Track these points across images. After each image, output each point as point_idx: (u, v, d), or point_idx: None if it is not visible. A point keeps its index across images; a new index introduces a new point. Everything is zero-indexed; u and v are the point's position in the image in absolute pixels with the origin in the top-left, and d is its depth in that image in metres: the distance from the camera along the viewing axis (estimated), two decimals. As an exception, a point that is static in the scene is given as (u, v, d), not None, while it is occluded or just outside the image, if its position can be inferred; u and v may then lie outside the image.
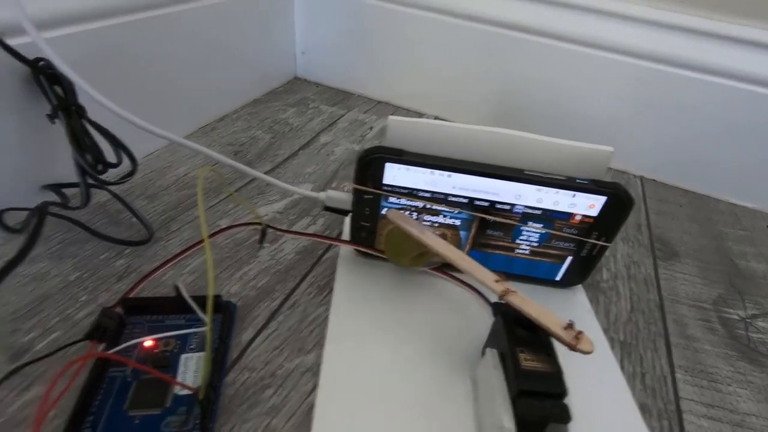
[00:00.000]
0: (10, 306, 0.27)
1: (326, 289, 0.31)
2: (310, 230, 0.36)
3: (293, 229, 0.36)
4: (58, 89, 0.29)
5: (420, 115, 0.56)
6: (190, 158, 0.42)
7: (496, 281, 0.24)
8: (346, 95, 0.59)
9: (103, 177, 0.29)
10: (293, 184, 0.40)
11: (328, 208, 0.31)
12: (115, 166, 0.29)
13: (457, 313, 0.30)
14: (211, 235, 0.32)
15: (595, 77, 0.47)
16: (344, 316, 0.28)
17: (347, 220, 0.36)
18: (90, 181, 0.29)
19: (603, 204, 0.28)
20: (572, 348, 0.22)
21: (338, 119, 0.53)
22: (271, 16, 0.53)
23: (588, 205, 0.28)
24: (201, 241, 0.31)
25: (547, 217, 0.29)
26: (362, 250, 0.31)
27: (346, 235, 0.35)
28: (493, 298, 0.27)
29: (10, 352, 0.24)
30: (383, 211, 0.29)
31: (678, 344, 0.31)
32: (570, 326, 0.22)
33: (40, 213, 0.25)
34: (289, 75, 0.61)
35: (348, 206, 0.30)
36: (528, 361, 0.22)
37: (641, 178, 0.50)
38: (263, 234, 0.33)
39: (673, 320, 0.32)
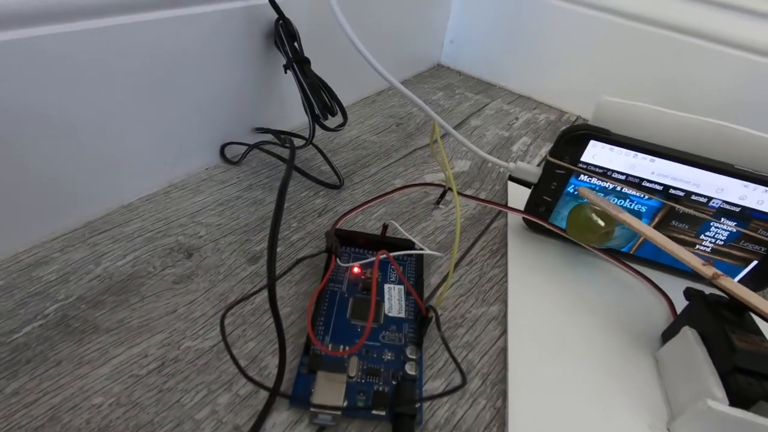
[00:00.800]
0: (241, 220, 0.32)
1: (498, 254, 0.33)
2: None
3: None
4: (296, 45, 0.34)
5: (563, 113, 0.57)
6: (358, 123, 0.46)
7: (704, 264, 0.24)
8: (488, 86, 0.60)
9: (325, 123, 0.33)
10: (451, 159, 0.43)
11: (513, 179, 0.33)
12: (335, 114, 0.33)
13: (631, 299, 0.30)
14: (398, 189, 0.35)
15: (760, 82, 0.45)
16: (521, 279, 0.30)
17: (512, 193, 0.38)
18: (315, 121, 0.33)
19: (814, 209, 0.27)
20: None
21: (484, 107, 0.54)
22: (429, 3, 0.56)
23: (796, 208, 0.27)
24: (386, 194, 0.34)
25: (745, 216, 0.28)
26: (538, 221, 0.33)
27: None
28: (677, 288, 0.27)
29: (248, 256, 0.29)
30: (569, 188, 0.31)
31: None
32: (787, 315, 0.22)
33: (290, 145, 0.30)
34: (433, 61, 0.64)
35: (534, 179, 0.32)
36: (741, 342, 0.22)
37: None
38: (442, 195, 0.35)
39: None
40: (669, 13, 0.47)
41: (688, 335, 0.24)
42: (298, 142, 0.34)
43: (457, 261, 0.32)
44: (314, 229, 0.32)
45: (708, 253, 0.31)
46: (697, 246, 0.31)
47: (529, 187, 0.33)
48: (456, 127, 0.49)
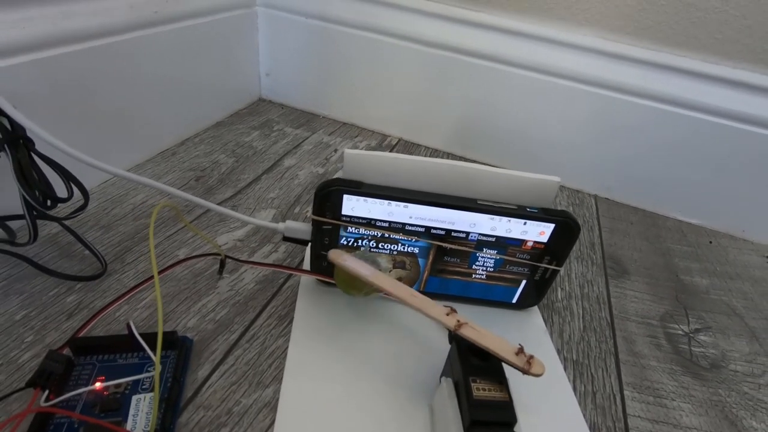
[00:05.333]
0: (-52, 350, 0.25)
1: (287, 319, 0.31)
2: (272, 258, 0.36)
3: (254, 257, 0.35)
4: (5, 121, 0.28)
5: (385, 136, 0.57)
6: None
7: (447, 314, 0.25)
8: (311, 117, 0.59)
9: (53, 213, 0.28)
10: (254, 211, 0.40)
11: (287, 239, 0.31)
12: (65, 200, 0.28)
13: (417, 339, 0.30)
14: (168, 268, 0.31)
15: (551, 103, 0.49)
16: (303, 347, 0.28)
17: (308, 248, 0.36)
18: (37, 215, 0.28)
19: (552, 231, 0.29)
20: (525, 372, 0.22)
21: (303, 142, 0.53)
22: (233, 39, 0.53)
23: (538, 232, 0.29)
24: (160, 272, 0.30)
25: (501, 243, 0.30)
26: (323, 279, 0.31)
27: (307, 262, 0.35)
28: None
29: (-54, 401, 0.23)
30: (342, 241, 0.30)
31: (627, 361, 0.32)
32: (521, 351, 0.23)
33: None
34: (253, 96, 0.61)
35: (307, 236, 0.30)
36: (480, 391, 0.22)
37: (595, 196, 0.53)
38: (222, 265, 0.32)
39: (622, 337, 0.34)
40: (467, 41, 0.49)
41: (443, 387, 0.24)
42: (24, 237, 0.29)
43: (236, 340, 0.29)
44: (58, 338, 0.27)
45: (484, 280, 0.32)
46: (473, 275, 0.31)
47: (306, 245, 0.31)
48: (267, 171, 0.46)
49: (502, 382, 0.23)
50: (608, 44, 0.46)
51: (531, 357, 0.23)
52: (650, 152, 0.48)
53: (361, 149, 0.53)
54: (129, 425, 0.23)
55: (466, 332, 0.24)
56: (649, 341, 0.34)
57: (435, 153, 0.56)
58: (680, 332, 0.35)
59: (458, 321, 0.24)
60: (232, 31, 0.52)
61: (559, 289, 0.38)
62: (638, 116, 0.47)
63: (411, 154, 0.55)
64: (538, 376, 0.22)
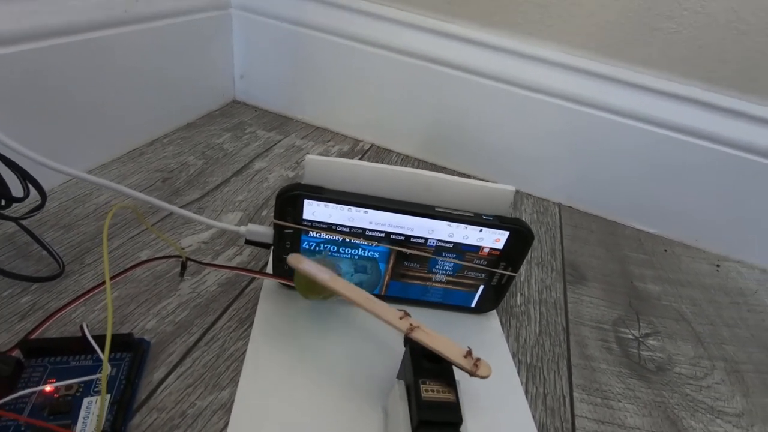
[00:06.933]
0: None
1: (247, 322, 0.31)
2: (236, 260, 0.36)
3: (219, 259, 0.36)
4: (-42, 119, 0.28)
5: (357, 141, 0.58)
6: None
7: (401, 318, 0.25)
8: (285, 120, 0.59)
9: (8, 212, 0.28)
10: (220, 214, 0.40)
11: (249, 242, 0.31)
12: (20, 200, 0.28)
13: (376, 342, 0.31)
14: (128, 269, 0.31)
15: (518, 114, 0.51)
16: (262, 350, 0.29)
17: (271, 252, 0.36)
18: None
19: (507, 238, 0.30)
20: (472, 374, 0.23)
21: (274, 145, 0.53)
22: (207, 41, 0.53)
23: (494, 239, 0.30)
24: (118, 274, 0.30)
25: (458, 249, 0.31)
26: (285, 283, 0.32)
27: (271, 265, 0.35)
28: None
29: None
30: (304, 245, 0.30)
31: (578, 364, 0.33)
32: (469, 354, 0.24)
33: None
34: (227, 98, 0.60)
35: (269, 240, 0.31)
36: (429, 392, 0.23)
37: (559, 205, 0.54)
38: (183, 267, 0.32)
39: (576, 342, 0.35)
40: (440, 51, 0.50)
41: (396, 389, 0.25)
42: (-22, 235, 0.28)
43: (194, 342, 0.29)
44: (9, 340, 0.27)
45: (443, 284, 0.33)
46: (433, 280, 0.32)
47: (269, 248, 0.32)
48: (237, 173, 0.46)
49: (450, 384, 0.24)
50: (571, 59, 0.48)
51: (478, 359, 0.23)
52: (611, 163, 0.51)
53: (333, 154, 0.53)
54: (78, 428, 0.23)
55: (418, 335, 0.24)
56: (601, 345, 0.36)
57: (406, 159, 0.57)
58: (630, 336, 0.37)
59: (411, 324, 0.25)
60: (206, 33, 0.52)
61: (519, 294, 0.39)
62: (600, 129, 0.49)
63: (382, 159, 0.56)
64: (484, 377, 0.23)
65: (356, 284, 0.29)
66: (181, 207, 0.39)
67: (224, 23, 0.55)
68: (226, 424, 0.25)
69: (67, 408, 0.23)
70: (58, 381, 0.24)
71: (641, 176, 0.50)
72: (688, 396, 0.33)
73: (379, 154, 0.57)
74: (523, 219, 0.49)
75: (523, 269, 0.42)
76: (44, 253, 0.32)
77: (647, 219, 0.53)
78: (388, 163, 0.55)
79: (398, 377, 0.27)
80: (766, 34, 0.42)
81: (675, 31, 0.44)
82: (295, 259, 0.28)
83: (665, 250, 0.50)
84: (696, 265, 0.49)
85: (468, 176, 0.55)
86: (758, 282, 0.48)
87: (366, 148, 0.57)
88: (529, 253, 0.44)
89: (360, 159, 0.54)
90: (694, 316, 0.41)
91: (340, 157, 0.53)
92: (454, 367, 0.24)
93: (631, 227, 0.53)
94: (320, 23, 0.53)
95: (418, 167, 0.55)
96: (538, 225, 0.49)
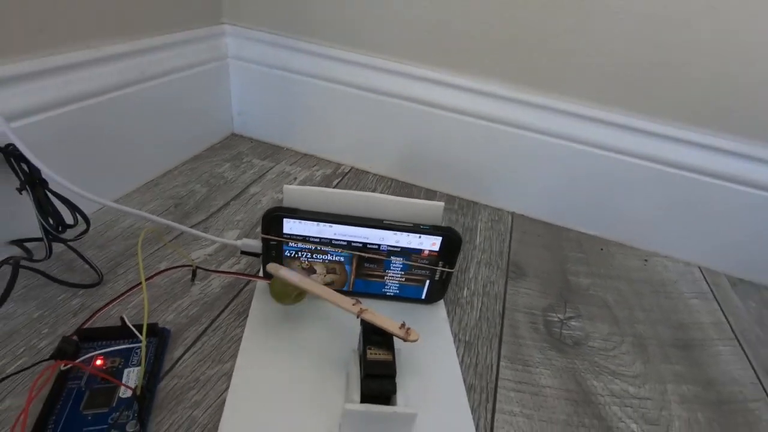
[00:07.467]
0: (-16, 339, 0.34)
1: (244, 314, 0.40)
2: (235, 268, 0.45)
3: (221, 267, 0.45)
4: (25, 167, 0.37)
5: (339, 165, 0.67)
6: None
7: (353, 304, 0.34)
8: (277, 149, 0.69)
9: (63, 236, 0.37)
10: (222, 231, 0.50)
11: (244, 252, 0.40)
12: (72, 226, 0.37)
13: (340, 327, 0.39)
14: (151, 276, 0.40)
15: (473, 138, 0.60)
16: (255, 333, 0.38)
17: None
18: (52, 238, 0.37)
19: (441, 242, 0.39)
20: (405, 339, 0.32)
21: (267, 171, 0.62)
22: (208, 87, 0.63)
23: (431, 243, 0.39)
24: (140, 284, 0.39)
25: (405, 252, 0.40)
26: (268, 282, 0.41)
27: (261, 271, 0.44)
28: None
29: (-14, 374, 0.32)
30: (287, 253, 0.39)
31: (508, 341, 0.42)
32: (403, 326, 0.33)
33: (14, 264, 0.33)
34: (226, 132, 0.70)
35: (259, 250, 0.40)
36: (373, 355, 0.32)
37: (512, 213, 0.63)
38: (194, 273, 0.42)
39: (509, 324, 0.44)
40: (407, 89, 0.60)
41: (352, 356, 0.33)
42: (40, 254, 0.38)
43: (203, 330, 0.38)
44: (67, 330, 0.36)
45: (398, 281, 0.41)
46: (388, 276, 0.41)
47: (259, 257, 0.41)
48: (235, 197, 0.56)
49: (390, 349, 0.32)
50: (510, 91, 0.57)
51: (409, 329, 0.32)
52: (556, 176, 0.59)
53: (317, 176, 0.63)
54: (121, 390, 0.32)
55: (366, 316, 0.33)
56: (530, 326, 0.44)
57: (381, 179, 0.66)
58: (556, 319, 0.45)
59: (360, 309, 0.34)
60: (208, 80, 0.62)
61: (466, 289, 0.47)
62: (547, 149, 0.58)
63: (360, 180, 0.65)
64: (414, 341, 0.32)
65: (328, 283, 0.38)
66: (190, 227, 0.49)
67: (223, 71, 0.65)
68: (227, 386, 0.33)
69: (113, 375, 0.32)
70: (105, 357, 0.33)
71: (582, 187, 0.59)
72: (595, 363, 0.41)
73: (357, 175, 0.66)
74: (479, 227, 0.58)
75: (471, 268, 0.51)
76: (86, 266, 0.41)
77: (589, 223, 0.61)
78: (365, 183, 0.64)
79: (356, 349, 0.35)
80: (657, 57, 0.51)
81: (592, 64, 0.54)
82: (273, 267, 0.37)
83: (601, 249, 0.59)
84: (627, 261, 0.57)
85: (434, 192, 0.65)
86: (680, 274, 0.56)
87: (346, 170, 0.66)
88: (479, 255, 0.53)
89: (340, 180, 0.64)
90: (616, 303, 0.49)
91: (323, 178, 0.62)
92: (395, 339, 0.33)
93: (576, 231, 0.62)
94: (304, 69, 0.63)
95: (391, 186, 0.64)
96: (491, 231, 0.58)
